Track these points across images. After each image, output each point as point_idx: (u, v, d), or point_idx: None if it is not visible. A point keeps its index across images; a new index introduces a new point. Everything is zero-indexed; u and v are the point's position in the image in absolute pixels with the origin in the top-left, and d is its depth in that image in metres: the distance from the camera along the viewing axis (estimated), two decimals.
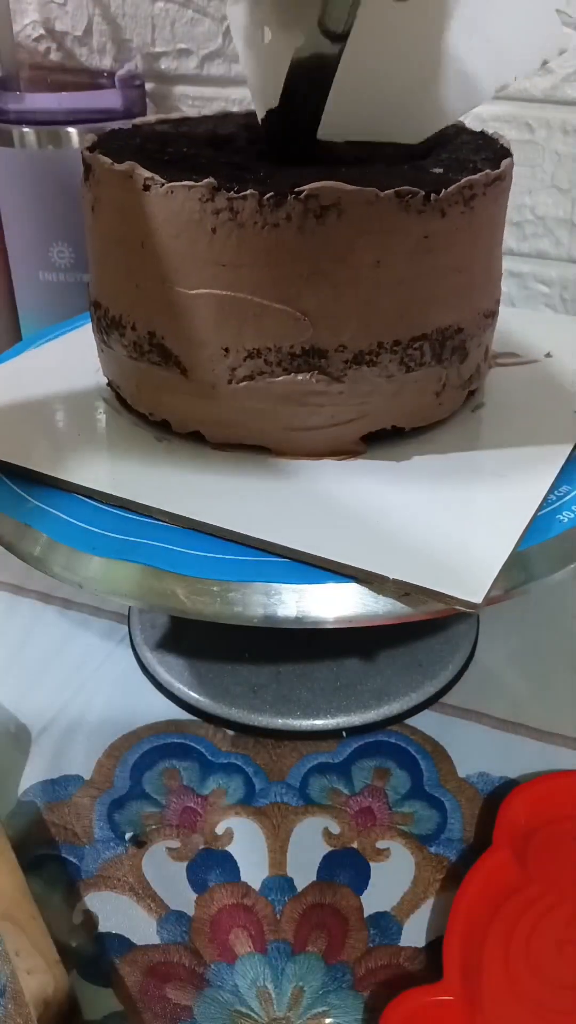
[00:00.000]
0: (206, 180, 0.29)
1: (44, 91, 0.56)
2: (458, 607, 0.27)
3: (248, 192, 0.29)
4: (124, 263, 0.33)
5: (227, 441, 0.34)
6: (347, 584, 0.29)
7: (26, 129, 0.51)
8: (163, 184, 0.30)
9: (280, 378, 0.32)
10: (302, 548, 0.29)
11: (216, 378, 0.33)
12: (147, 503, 0.32)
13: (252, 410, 0.33)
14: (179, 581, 0.29)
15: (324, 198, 0.29)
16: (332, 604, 0.29)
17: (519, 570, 0.29)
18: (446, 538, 0.30)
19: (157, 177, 0.30)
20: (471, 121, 0.53)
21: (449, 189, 0.31)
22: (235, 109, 0.43)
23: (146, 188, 0.31)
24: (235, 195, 0.29)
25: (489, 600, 0.27)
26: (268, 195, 0.29)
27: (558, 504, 0.32)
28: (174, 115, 0.41)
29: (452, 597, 0.27)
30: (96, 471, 0.34)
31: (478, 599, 0.27)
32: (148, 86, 0.58)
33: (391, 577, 0.28)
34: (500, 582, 0.28)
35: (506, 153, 0.35)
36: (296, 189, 0.29)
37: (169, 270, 0.31)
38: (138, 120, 0.40)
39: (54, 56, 0.61)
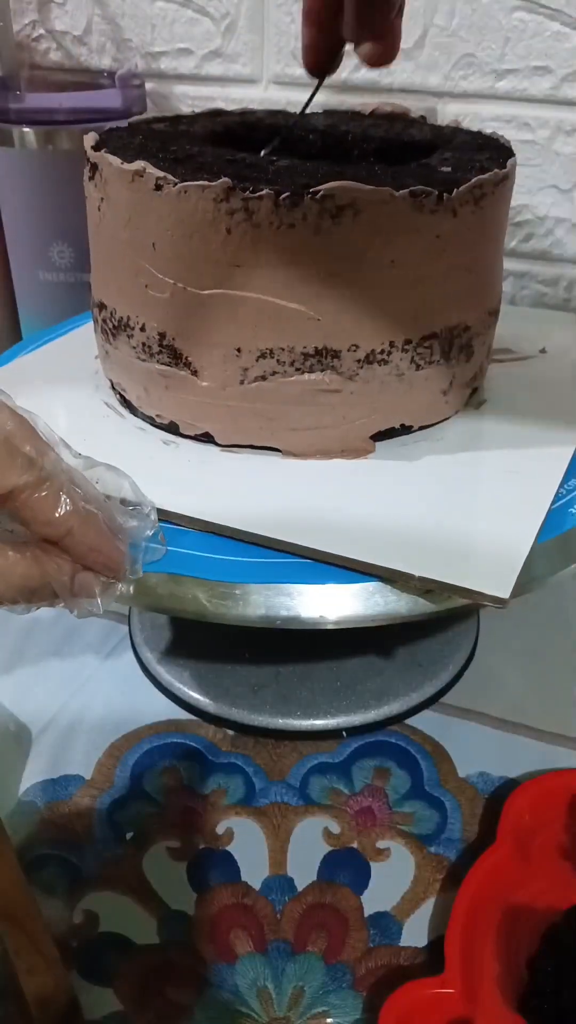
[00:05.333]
0: (221, 180, 0.29)
1: (44, 91, 0.56)
2: (485, 602, 0.27)
3: (264, 192, 0.29)
4: (133, 264, 0.33)
5: (237, 442, 0.34)
6: (368, 583, 0.29)
7: (26, 129, 0.51)
8: (176, 184, 0.30)
9: (292, 378, 0.32)
10: (326, 549, 0.29)
11: (228, 379, 0.33)
12: (164, 507, 0.31)
13: (263, 410, 0.33)
14: (200, 585, 0.29)
15: (340, 198, 0.29)
16: (354, 603, 0.28)
17: (537, 563, 0.29)
18: (465, 534, 0.30)
19: (170, 177, 0.30)
20: (471, 121, 0.54)
21: (460, 189, 0.31)
22: (232, 108, 0.43)
23: (158, 188, 0.30)
24: (251, 195, 0.29)
25: (514, 593, 0.27)
26: (284, 195, 0.29)
27: (568, 498, 0.32)
28: (168, 113, 0.41)
29: (480, 593, 0.27)
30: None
31: (505, 594, 0.27)
32: (148, 86, 0.58)
33: (417, 575, 0.28)
34: (521, 576, 0.28)
35: (509, 152, 0.35)
36: (312, 189, 0.29)
37: (181, 271, 0.31)
38: (133, 119, 0.40)
39: (54, 56, 0.61)
